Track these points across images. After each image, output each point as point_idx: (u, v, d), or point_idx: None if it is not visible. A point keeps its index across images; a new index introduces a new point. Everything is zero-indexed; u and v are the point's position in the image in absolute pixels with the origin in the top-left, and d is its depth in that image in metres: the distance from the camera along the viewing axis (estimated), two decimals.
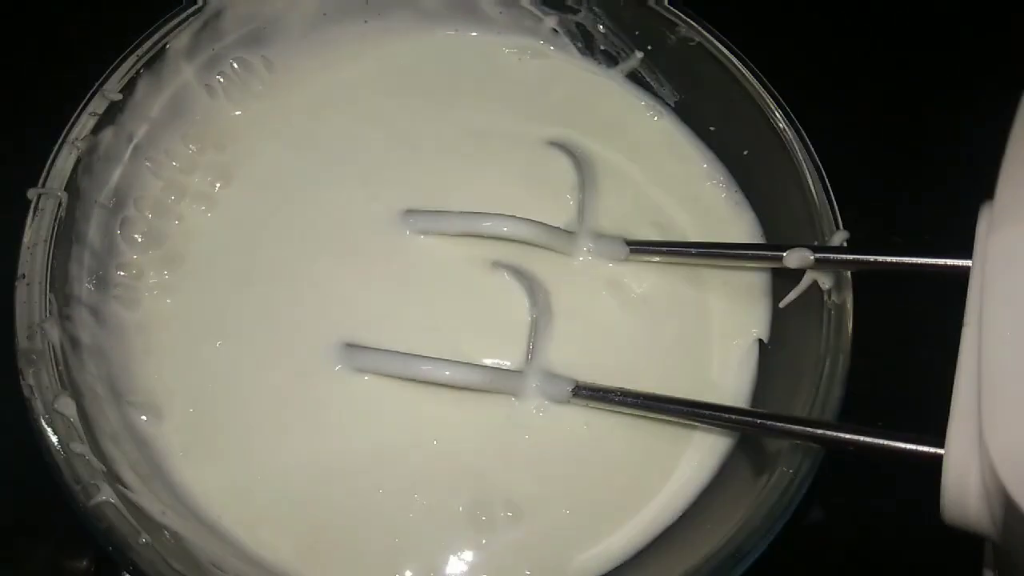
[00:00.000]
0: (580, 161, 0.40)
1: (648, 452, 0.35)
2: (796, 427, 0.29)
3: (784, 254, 0.33)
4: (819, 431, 0.29)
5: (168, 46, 0.36)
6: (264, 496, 0.33)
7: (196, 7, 0.37)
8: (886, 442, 0.26)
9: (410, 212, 0.38)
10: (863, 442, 0.27)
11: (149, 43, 0.36)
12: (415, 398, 0.35)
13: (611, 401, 0.34)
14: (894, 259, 0.30)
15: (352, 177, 0.39)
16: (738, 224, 0.39)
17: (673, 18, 0.38)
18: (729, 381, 0.37)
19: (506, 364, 0.36)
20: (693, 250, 0.36)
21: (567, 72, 0.42)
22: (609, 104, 0.42)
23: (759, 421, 0.31)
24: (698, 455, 0.35)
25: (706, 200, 0.40)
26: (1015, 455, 0.20)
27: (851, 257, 0.32)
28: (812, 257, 0.32)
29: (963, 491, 0.22)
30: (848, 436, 0.27)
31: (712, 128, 0.40)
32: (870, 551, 0.38)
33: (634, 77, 0.42)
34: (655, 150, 0.41)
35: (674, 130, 0.41)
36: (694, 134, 0.41)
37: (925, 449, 0.24)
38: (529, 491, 0.34)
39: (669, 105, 0.41)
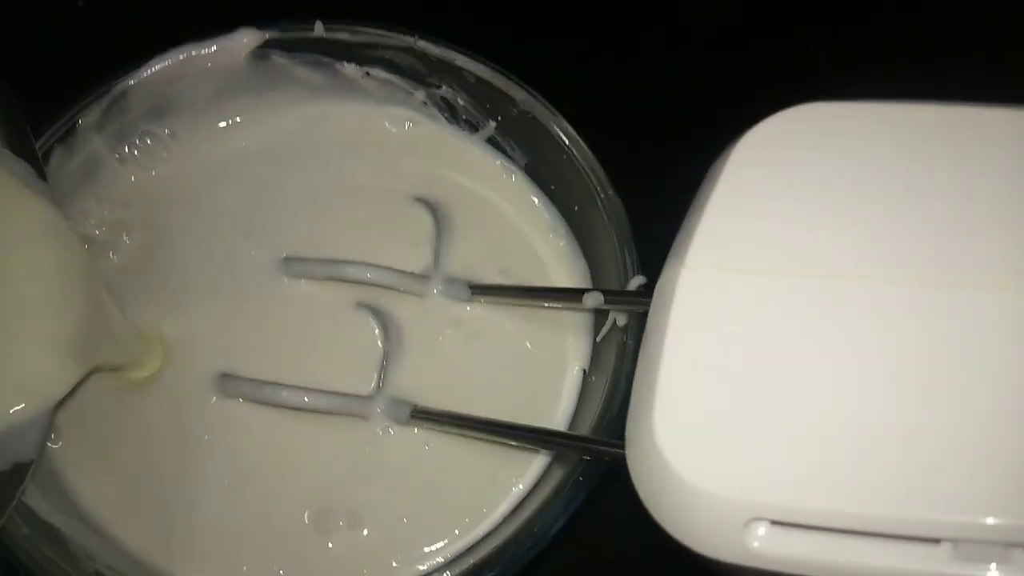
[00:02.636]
0: (440, 215, 0.46)
1: (479, 468, 0.41)
2: (563, 440, 0.35)
3: (583, 296, 0.39)
4: (581, 443, 0.35)
5: (80, 121, 0.43)
6: (141, 505, 0.39)
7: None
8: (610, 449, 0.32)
9: (288, 259, 0.44)
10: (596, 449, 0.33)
11: (62, 120, 0.43)
12: (280, 422, 0.41)
13: (443, 423, 0.40)
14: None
15: (238, 230, 0.45)
16: (572, 270, 0.46)
17: (513, 93, 0.45)
18: (557, 405, 0.43)
19: (360, 391, 0.42)
20: (521, 293, 0.43)
21: (435, 137, 0.49)
22: (470, 165, 0.48)
23: (545, 438, 0.37)
24: (523, 470, 0.41)
25: (547, 249, 0.46)
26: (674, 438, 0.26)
27: (634, 299, 0.38)
28: (603, 299, 0.39)
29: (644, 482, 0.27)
30: (596, 447, 0.33)
31: (553, 187, 0.47)
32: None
33: (492, 142, 0.48)
34: (507, 205, 0.47)
35: (525, 188, 0.47)
36: (541, 191, 0.47)
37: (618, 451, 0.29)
38: (370, 502, 0.40)
39: (520, 166, 0.48)
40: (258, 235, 0.45)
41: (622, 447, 0.29)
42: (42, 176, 0.38)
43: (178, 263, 0.44)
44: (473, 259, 0.46)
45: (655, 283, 0.39)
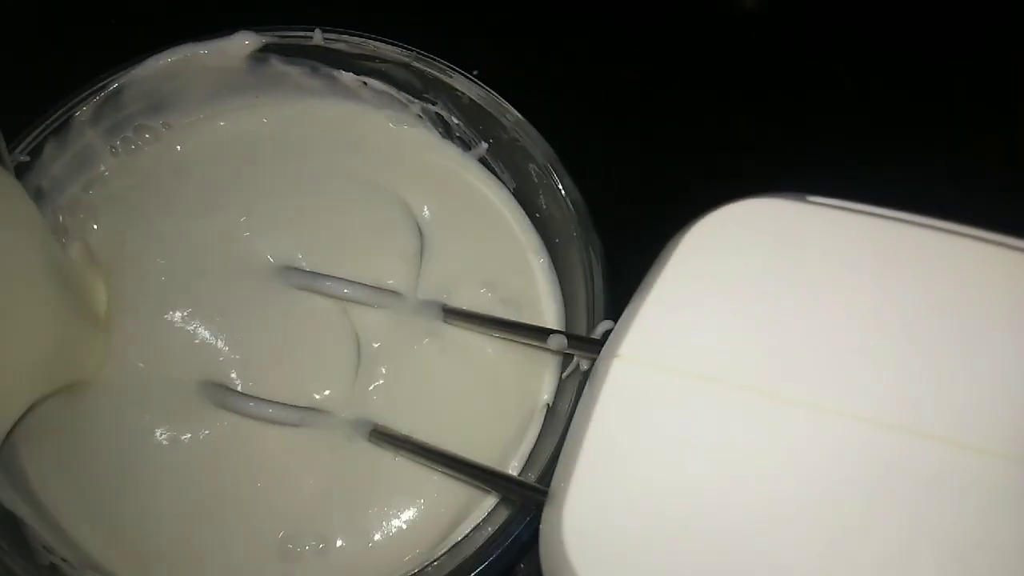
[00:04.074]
0: (427, 224, 0.46)
1: (444, 489, 0.41)
2: (504, 482, 0.36)
3: (547, 337, 0.39)
4: (516, 487, 0.36)
5: (74, 115, 0.44)
6: (114, 515, 0.40)
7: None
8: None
9: (271, 263, 0.45)
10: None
11: (56, 115, 0.43)
12: (250, 432, 0.42)
13: (400, 447, 0.41)
14: None
15: (222, 226, 0.45)
16: (552, 299, 0.46)
17: (504, 118, 0.45)
18: (523, 436, 0.43)
19: (328, 402, 0.42)
20: (490, 323, 0.43)
21: (432, 146, 0.49)
22: (463, 181, 0.48)
23: (494, 479, 0.38)
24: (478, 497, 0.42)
25: (534, 267, 0.46)
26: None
27: (596, 348, 0.38)
28: (566, 343, 0.39)
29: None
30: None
31: (536, 215, 0.47)
32: None
33: (484, 162, 0.48)
34: (496, 224, 0.47)
35: (514, 210, 0.48)
36: (527, 217, 0.47)
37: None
38: (337, 521, 0.41)
39: (510, 189, 0.48)
40: (241, 232, 0.45)
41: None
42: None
43: (153, 258, 0.44)
44: (458, 269, 0.46)
45: None
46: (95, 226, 0.45)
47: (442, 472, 0.41)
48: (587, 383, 0.29)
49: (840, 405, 0.25)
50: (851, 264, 0.27)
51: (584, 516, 0.25)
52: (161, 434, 0.41)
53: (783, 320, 0.27)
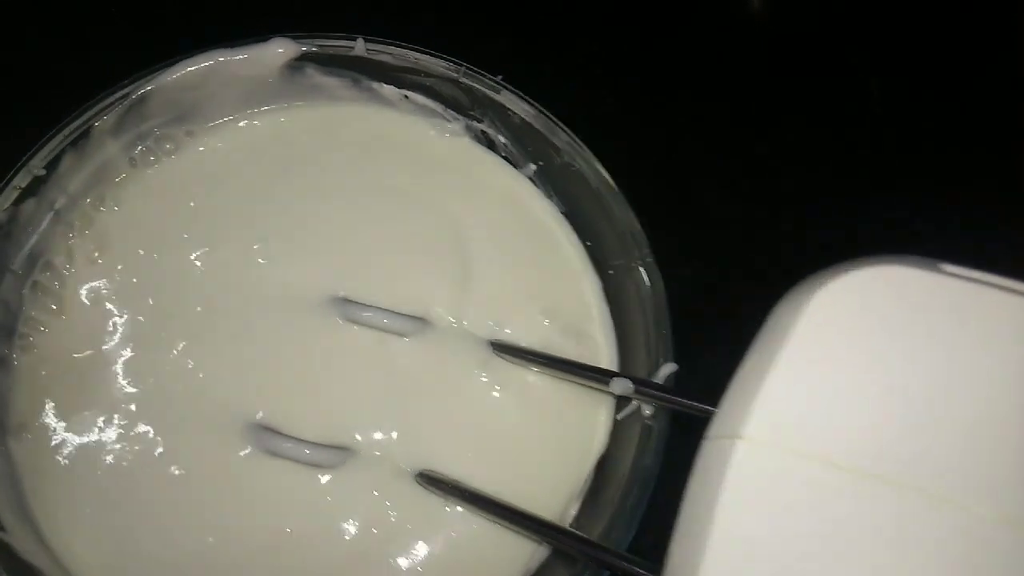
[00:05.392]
0: (475, 248, 0.43)
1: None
2: (572, 543, 0.33)
3: (610, 380, 0.37)
4: (586, 550, 0.33)
5: (95, 125, 0.40)
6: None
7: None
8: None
9: (321, 297, 0.41)
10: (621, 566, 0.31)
11: (75, 124, 0.40)
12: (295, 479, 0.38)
13: (448, 493, 0.38)
14: (687, 401, 0.33)
15: (242, 236, 0.42)
16: (608, 331, 0.43)
17: (556, 140, 0.42)
18: (575, 484, 0.40)
19: (371, 440, 0.39)
20: (545, 361, 0.40)
21: (480, 159, 0.45)
22: (514, 199, 0.45)
23: (555, 534, 0.35)
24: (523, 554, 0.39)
25: (586, 302, 0.43)
26: None
27: (660, 394, 0.36)
28: (632, 387, 0.36)
29: None
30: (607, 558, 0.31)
31: (588, 243, 0.44)
32: None
33: (532, 183, 0.45)
34: (549, 248, 0.44)
35: (568, 233, 0.44)
36: (581, 243, 0.44)
37: None
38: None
39: (560, 211, 0.45)
40: (258, 259, 0.42)
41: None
42: None
43: (165, 292, 0.41)
44: (510, 295, 0.42)
45: (687, 377, 0.37)
46: (99, 259, 0.41)
47: (502, 524, 0.38)
48: (697, 470, 0.26)
49: (972, 500, 0.22)
50: (996, 348, 0.24)
51: None
52: (190, 478, 0.38)
53: (927, 405, 0.24)
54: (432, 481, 0.38)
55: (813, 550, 0.23)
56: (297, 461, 0.38)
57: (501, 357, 0.41)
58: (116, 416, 0.39)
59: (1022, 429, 0.23)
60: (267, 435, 0.38)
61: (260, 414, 0.39)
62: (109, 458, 0.38)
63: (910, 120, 0.50)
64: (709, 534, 0.23)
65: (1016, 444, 0.23)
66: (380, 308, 0.41)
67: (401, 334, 0.41)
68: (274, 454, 0.38)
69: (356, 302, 0.41)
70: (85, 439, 0.38)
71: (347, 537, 0.38)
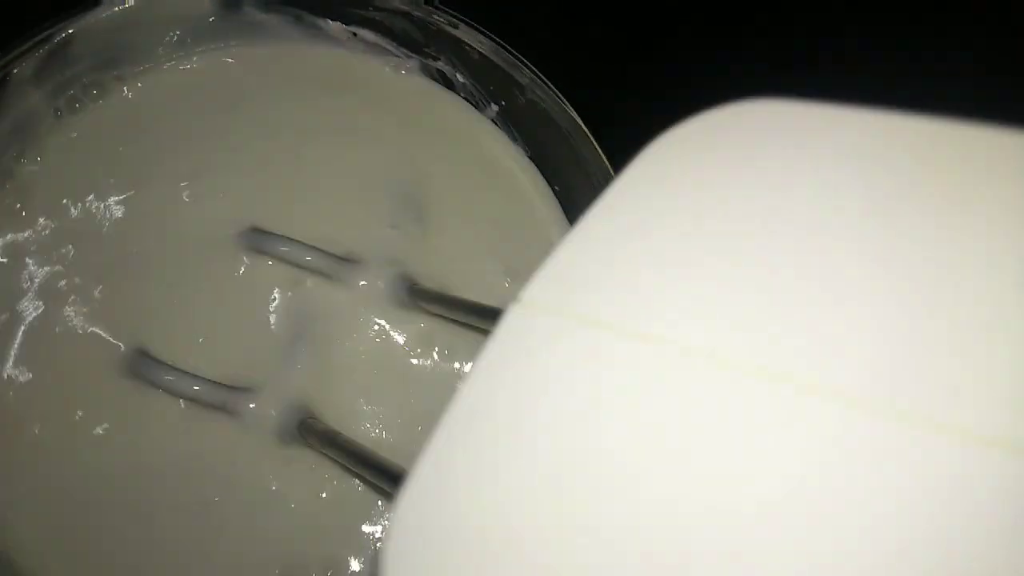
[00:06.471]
0: (429, 193, 0.40)
1: None
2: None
3: None
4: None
5: (14, 72, 0.37)
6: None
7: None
8: None
9: (245, 231, 0.38)
10: None
11: None
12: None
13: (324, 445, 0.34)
14: None
15: (174, 182, 0.39)
16: None
17: (522, 79, 0.39)
18: None
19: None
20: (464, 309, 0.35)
21: (437, 98, 0.42)
22: (475, 141, 0.42)
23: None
24: None
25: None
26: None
27: None
28: None
29: None
30: None
31: (557, 188, 0.41)
32: None
33: (496, 126, 0.42)
34: (513, 195, 0.41)
35: (533, 178, 0.41)
36: (549, 188, 0.42)
37: None
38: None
39: (528, 156, 0.42)
40: (191, 187, 0.39)
41: None
42: None
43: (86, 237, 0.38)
44: (470, 253, 0.39)
45: None
46: (22, 210, 0.38)
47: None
48: None
49: (806, 376, 0.17)
50: (867, 188, 0.19)
51: (422, 512, 0.18)
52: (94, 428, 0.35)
53: (753, 260, 0.19)
54: (311, 432, 0.35)
55: (572, 425, 0.19)
56: (178, 396, 0.36)
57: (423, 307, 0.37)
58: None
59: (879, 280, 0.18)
60: (151, 364, 0.36)
61: (150, 348, 0.36)
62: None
63: None
64: (454, 401, 0.20)
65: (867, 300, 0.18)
66: (300, 243, 0.38)
67: (324, 274, 0.38)
68: (157, 386, 0.35)
69: (273, 234, 0.38)
70: None
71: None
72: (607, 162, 0.37)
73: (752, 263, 0.19)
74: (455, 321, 0.37)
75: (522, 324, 0.20)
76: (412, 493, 0.19)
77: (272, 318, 0.38)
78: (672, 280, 0.20)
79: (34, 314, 0.36)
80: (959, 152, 0.20)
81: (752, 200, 0.20)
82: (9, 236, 0.37)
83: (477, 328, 0.35)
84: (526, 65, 0.39)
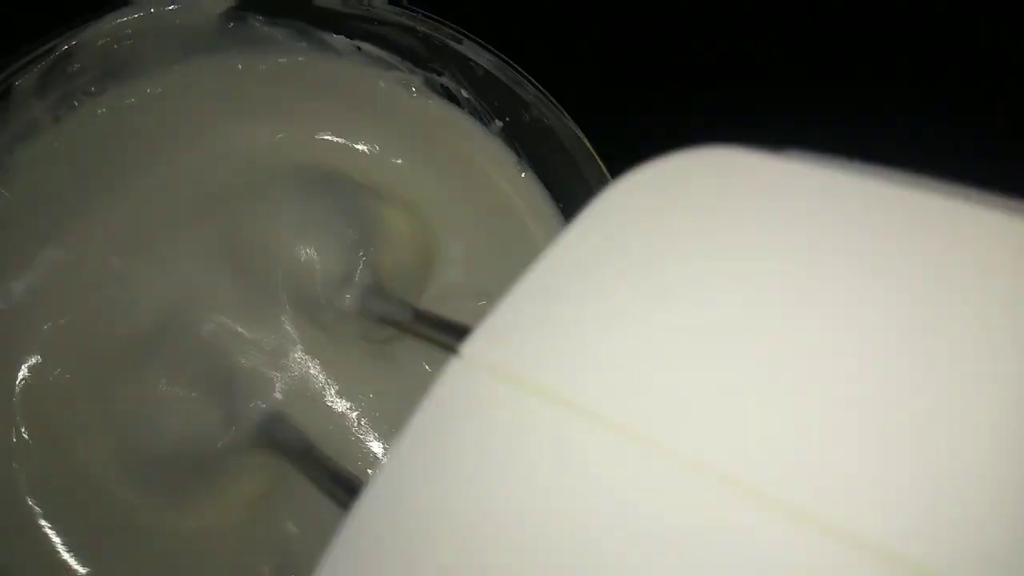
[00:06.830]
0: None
1: None
2: None
3: None
4: None
5: (16, 84, 0.37)
6: None
7: None
8: None
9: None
10: None
11: None
12: None
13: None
14: None
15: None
16: None
17: (526, 95, 0.38)
18: None
19: None
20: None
21: (441, 113, 0.42)
22: (478, 157, 0.41)
23: None
24: None
25: None
26: None
27: None
28: None
29: None
30: None
31: (561, 206, 0.41)
32: None
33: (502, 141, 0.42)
34: (516, 219, 0.41)
35: (535, 190, 0.41)
36: (555, 207, 0.41)
37: None
38: None
39: (532, 170, 0.41)
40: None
41: None
42: None
43: None
44: (469, 267, 0.39)
45: None
46: None
47: None
48: None
49: (707, 457, 0.17)
50: (829, 254, 0.18)
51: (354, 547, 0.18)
52: None
53: (708, 332, 0.19)
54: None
55: (487, 482, 0.19)
56: None
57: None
58: None
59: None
60: None
61: None
62: None
63: None
64: (384, 464, 0.20)
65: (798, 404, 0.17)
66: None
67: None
68: None
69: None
70: None
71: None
72: (612, 180, 0.37)
73: (691, 331, 0.19)
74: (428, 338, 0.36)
75: (457, 386, 0.20)
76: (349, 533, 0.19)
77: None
78: (607, 346, 0.20)
79: None
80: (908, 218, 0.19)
81: (697, 262, 0.20)
82: None
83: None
84: (530, 82, 0.38)
